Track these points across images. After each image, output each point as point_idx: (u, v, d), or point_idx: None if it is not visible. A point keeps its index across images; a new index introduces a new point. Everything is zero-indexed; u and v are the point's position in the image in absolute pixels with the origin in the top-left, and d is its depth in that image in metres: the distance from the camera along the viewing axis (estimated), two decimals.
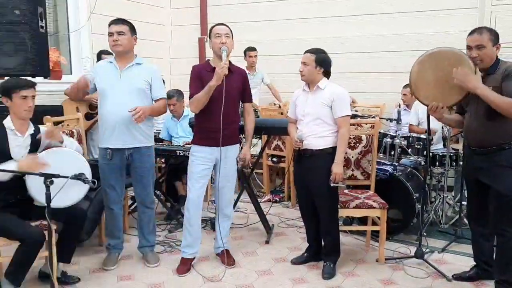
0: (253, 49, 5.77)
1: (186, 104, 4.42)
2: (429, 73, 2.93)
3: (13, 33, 3.75)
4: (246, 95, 3.37)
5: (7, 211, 2.76)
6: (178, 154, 3.99)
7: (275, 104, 5.83)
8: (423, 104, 3.03)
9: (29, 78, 3.06)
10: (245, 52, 5.78)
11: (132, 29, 3.25)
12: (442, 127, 4.06)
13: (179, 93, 4.64)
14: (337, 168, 3.09)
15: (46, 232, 2.70)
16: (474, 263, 3.19)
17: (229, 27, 3.21)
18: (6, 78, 4.11)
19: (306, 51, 3.23)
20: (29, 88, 2.82)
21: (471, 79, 2.72)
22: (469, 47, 2.83)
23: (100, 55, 4.93)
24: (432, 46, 5.10)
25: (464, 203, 3.82)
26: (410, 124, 4.65)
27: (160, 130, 4.84)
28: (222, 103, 3.08)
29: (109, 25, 3.22)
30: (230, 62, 3.25)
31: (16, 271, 2.74)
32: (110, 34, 3.19)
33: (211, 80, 3.03)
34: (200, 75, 3.18)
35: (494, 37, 2.79)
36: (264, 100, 6.05)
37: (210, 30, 3.24)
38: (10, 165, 2.67)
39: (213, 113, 3.13)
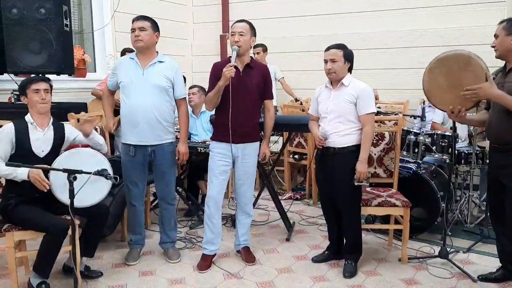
0: (257, 46, 5.69)
1: None
2: (441, 79, 2.89)
3: (38, 32, 3.84)
4: (266, 92, 3.34)
5: (31, 204, 2.82)
6: (199, 150, 4.00)
7: (297, 101, 5.79)
8: (442, 110, 2.99)
9: (53, 75, 3.12)
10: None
11: (155, 26, 3.24)
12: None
13: (202, 89, 4.66)
14: (361, 166, 3.05)
15: (69, 227, 2.75)
16: (500, 264, 3.11)
17: (249, 24, 3.19)
18: (32, 76, 4.23)
19: (331, 47, 3.13)
20: (40, 82, 2.90)
21: (481, 91, 2.71)
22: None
23: (124, 53, 4.99)
24: (458, 42, 5.07)
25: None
26: (433, 122, 4.56)
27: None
28: (238, 100, 3.08)
29: (132, 21, 3.24)
30: (251, 58, 3.24)
31: (43, 263, 2.80)
32: (132, 30, 3.20)
33: (220, 80, 3.05)
34: (218, 72, 3.17)
35: (510, 26, 2.78)
36: (284, 97, 6.02)
37: (231, 27, 3.24)
38: (21, 170, 2.73)
39: (229, 110, 3.11)
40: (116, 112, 4.84)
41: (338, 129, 3.12)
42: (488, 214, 3.71)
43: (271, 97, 3.42)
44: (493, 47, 2.88)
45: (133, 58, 3.26)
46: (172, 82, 3.26)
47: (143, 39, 3.17)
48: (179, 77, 3.34)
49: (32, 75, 3.18)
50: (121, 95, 3.29)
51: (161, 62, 3.25)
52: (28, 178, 2.73)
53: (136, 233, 3.47)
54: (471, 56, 2.81)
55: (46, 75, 3.24)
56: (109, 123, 3.42)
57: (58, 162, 2.76)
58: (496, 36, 2.85)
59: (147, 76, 3.19)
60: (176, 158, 3.39)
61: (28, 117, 2.90)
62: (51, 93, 2.98)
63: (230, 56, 3.25)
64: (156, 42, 3.30)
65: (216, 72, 3.20)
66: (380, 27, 5.62)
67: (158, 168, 3.35)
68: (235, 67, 3.05)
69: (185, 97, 3.41)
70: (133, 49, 4.96)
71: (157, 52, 3.31)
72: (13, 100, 4.03)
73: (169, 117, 3.28)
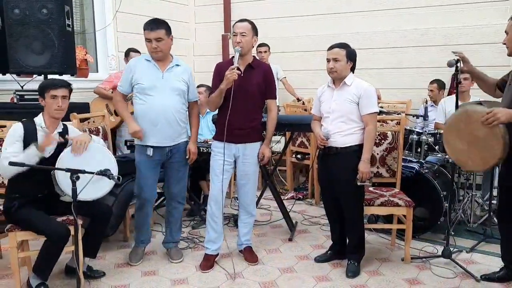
0: (263, 45, 5.71)
1: None
2: (460, 145, 2.86)
3: (40, 32, 3.84)
4: (268, 91, 3.32)
5: (34, 206, 2.82)
6: (201, 150, 4.00)
7: (299, 100, 5.79)
8: (485, 169, 2.97)
9: (55, 76, 3.12)
10: (255, 48, 5.74)
11: (168, 30, 3.19)
12: None
13: (209, 88, 4.65)
14: (364, 166, 3.04)
15: (72, 227, 2.75)
16: (503, 264, 3.10)
17: (251, 23, 3.17)
18: (34, 76, 4.24)
19: (334, 46, 3.12)
20: (59, 88, 2.86)
21: (498, 115, 2.63)
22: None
23: (128, 53, 4.99)
24: (460, 41, 5.06)
25: (494, 201, 3.72)
26: (436, 122, 4.55)
27: None
28: (240, 100, 3.07)
29: (144, 29, 3.15)
30: (254, 57, 3.24)
31: (43, 265, 2.80)
32: (148, 40, 3.13)
33: (222, 82, 3.04)
34: (221, 72, 3.17)
35: None
36: (286, 97, 6.01)
37: (233, 27, 3.23)
38: (31, 148, 2.73)
39: (231, 110, 3.11)
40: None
41: (340, 128, 3.11)
42: (495, 213, 3.70)
43: (274, 97, 3.37)
44: (504, 44, 2.85)
45: (149, 60, 3.22)
46: (188, 85, 3.30)
47: (162, 49, 3.15)
48: (193, 80, 3.40)
49: (57, 78, 3.14)
50: (137, 96, 3.24)
51: (178, 65, 3.26)
52: (40, 150, 2.74)
53: (142, 232, 3.46)
54: (466, 109, 2.84)
55: (49, 76, 3.23)
56: (136, 127, 3.20)
57: (64, 158, 2.78)
58: (506, 32, 2.82)
59: (167, 79, 3.20)
60: (187, 157, 3.37)
61: (38, 119, 2.89)
62: (69, 96, 2.96)
63: (233, 56, 3.25)
64: (172, 44, 3.28)
65: (219, 73, 3.19)
66: (382, 26, 5.61)
67: (172, 167, 3.35)
68: (238, 68, 3.04)
69: (197, 100, 3.46)
70: (137, 49, 5.00)
71: (171, 55, 3.30)
72: (15, 100, 4.03)
73: (185, 118, 3.34)
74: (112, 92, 4.81)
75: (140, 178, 3.32)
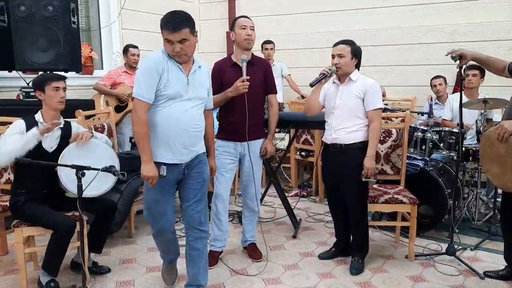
0: (269, 42, 5.72)
1: None
2: (495, 169, 2.86)
3: (46, 29, 3.85)
4: (270, 87, 3.33)
5: (40, 202, 2.84)
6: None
7: (303, 98, 5.78)
8: None
9: (61, 73, 3.14)
10: (262, 45, 5.74)
11: (193, 27, 2.52)
12: (476, 121, 3.95)
13: None
14: (369, 162, 3.04)
15: (77, 223, 2.78)
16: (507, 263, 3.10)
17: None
18: (40, 73, 4.26)
19: (339, 43, 3.13)
20: (60, 80, 2.93)
21: (505, 126, 2.68)
22: None
23: (127, 49, 5.01)
24: (466, 38, 5.04)
25: (499, 199, 3.70)
26: (443, 119, 4.53)
27: None
28: (244, 99, 3.06)
29: (163, 28, 2.48)
30: (252, 54, 3.23)
31: (51, 261, 2.83)
32: (169, 41, 2.45)
33: (229, 90, 3.04)
34: (220, 71, 3.17)
35: None
36: (291, 94, 6.00)
37: (234, 23, 3.21)
38: (33, 130, 2.78)
39: (235, 109, 3.12)
40: (119, 108, 4.89)
41: (345, 125, 3.11)
42: (498, 215, 3.69)
43: (275, 92, 3.39)
44: None
45: (170, 59, 2.51)
46: (208, 90, 2.71)
47: (187, 52, 2.48)
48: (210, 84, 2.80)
49: (49, 72, 3.18)
50: (155, 104, 2.50)
51: (200, 67, 2.60)
52: (40, 132, 2.78)
53: (170, 252, 2.94)
54: (486, 134, 2.90)
55: (55, 72, 3.24)
56: (151, 170, 2.50)
57: (66, 154, 2.80)
58: None
59: (192, 85, 2.54)
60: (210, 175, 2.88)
61: (38, 116, 2.92)
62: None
63: (231, 54, 3.24)
64: (196, 42, 2.61)
65: (217, 72, 3.18)
66: (388, 23, 5.58)
67: (188, 186, 2.68)
68: (247, 79, 3.04)
69: (213, 108, 2.91)
70: (135, 45, 5.00)
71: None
72: (21, 98, 4.06)
73: (203, 127, 2.70)
74: (110, 88, 4.83)
75: (150, 203, 2.66)
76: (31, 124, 2.84)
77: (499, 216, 3.71)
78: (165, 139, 2.52)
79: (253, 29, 3.15)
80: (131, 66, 4.99)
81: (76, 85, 4.83)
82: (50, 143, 2.90)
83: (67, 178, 2.77)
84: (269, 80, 3.31)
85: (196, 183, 2.67)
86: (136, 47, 5.01)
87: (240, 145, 3.20)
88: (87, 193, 2.63)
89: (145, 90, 2.43)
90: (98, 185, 2.80)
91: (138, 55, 5.00)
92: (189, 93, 2.53)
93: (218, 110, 3.41)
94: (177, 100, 2.50)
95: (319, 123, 3.43)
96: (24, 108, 3.69)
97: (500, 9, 4.95)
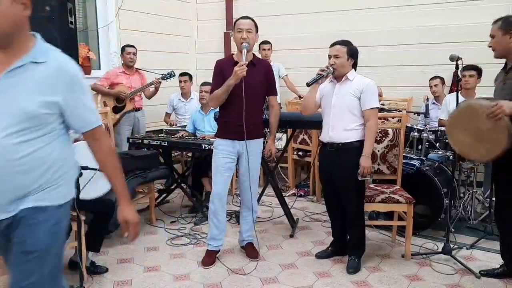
0: (266, 42, 5.73)
1: None
2: (465, 139, 2.88)
3: (43, 29, 3.83)
4: (270, 88, 3.36)
5: None
6: (203, 147, 4.02)
7: (300, 98, 5.80)
8: (489, 159, 2.95)
9: None
10: (259, 45, 5.76)
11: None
12: None
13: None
14: (365, 161, 3.05)
15: (74, 223, 2.78)
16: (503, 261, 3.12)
17: (253, 21, 3.19)
18: None
19: (335, 43, 3.15)
20: None
21: (504, 107, 2.66)
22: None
23: (123, 48, 5.02)
24: (462, 39, 5.05)
25: (494, 198, 3.73)
26: (440, 119, 4.55)
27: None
28: (242, 97, 3.07)
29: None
30: (253, 54, 3.25)
31: None
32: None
33: (230, 78, 3.05)
34: (223, 70, 3.18)
35: (506, 25, 2.77)
36: (288, 94, 6.02)
37: (234, 24, 3.24)
38: None
39: (234, 107, 3.14)
40: (117, 109, 4.89)
41: (342, 124, 3.13)
42: (493, 212, 3.72)
43: (275, 94, 3.42)
44: (490, 47, 2.87)
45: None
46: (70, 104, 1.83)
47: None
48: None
49: None
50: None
51: (40, 63, 1.68)
52: None
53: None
54: (470, 104, 2.88)
55: None
56: None
57: None
58: (492, 36, 2.84)
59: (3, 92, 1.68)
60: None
61: None
62: None
63: (233, 54, 3.26)
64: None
65: (220, 70, 3.21)
66: (384, 24, 5.60)
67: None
68: (246, 64, 3.05)
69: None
70: (132, 45, 5.00)
71: None
72: None
73: None
74: (108, 88, 4.83)
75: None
76: None
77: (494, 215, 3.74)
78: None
79: (250, 31, 3.14)
80: (128, 66, 5.00)
81: None
82: None
83: None
84: (270, 81, 3.33)
85: (19, 255, 1.65)
86: (133, 46, 5.02)
87: (238, 143, 3.22)
88: (85, 196, 2.64)
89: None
90: (96, 187, 2.80)
91: (135, 53, 5.01)
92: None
93: (217, 110, 3.43)
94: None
95: (316, 123, 3.45)
96: None
97: (495, 10, 4.95)
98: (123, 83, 4.92)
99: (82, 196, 2.58)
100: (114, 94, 4.84)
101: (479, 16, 5.05)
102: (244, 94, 3.07)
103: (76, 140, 2.99)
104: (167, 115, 5.64)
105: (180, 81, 5.44)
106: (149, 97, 5.18)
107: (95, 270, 3.17)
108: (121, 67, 5.06)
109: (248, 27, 3.14)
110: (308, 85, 3.16)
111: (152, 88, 5.07)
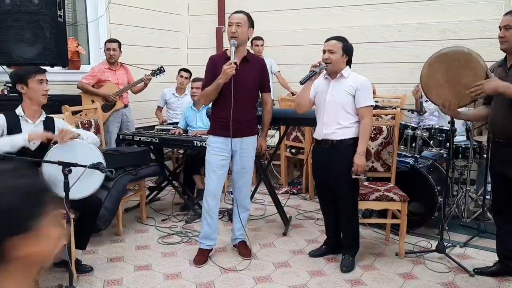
0: (258, 38, 5.66)
1: None
2: (439, 75, 2.89)
3: (32, 22, 3.76)
4: (264, 85, 3.31)
5: None
6: (195, 144, 3.97)
7: (293, 95, 5.76)
8: (435, 104, 3.01)
9: (47, 67, 3.09)
10: (251, 41, 5.70)
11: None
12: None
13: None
14: (359, 159, 3.02)
15: (64, 221, 2.71)
16: (498, 259, 3.10)
17: (247, 15, 3.13)
18: (31, 66, 4.17)
19: (331, 39, 3.11)
20: (42, 73, 2.90)
21: (487, 85, 2.68)
22: (499, 28, 2.79)
23: (105, 44, 4.91)
24: (455, 36, 5.04)
25: (488, 197, 3.72)
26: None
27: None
28: (235, 94, 3.03)
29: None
30: (248, 50, 3.20)
31: None
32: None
33: (219, 77, 2.99)
34: (215, 66, 3.13)
35: None
36: (280, 90, 5.97)
37: (228, 18, 3.18)
38: (19, 137, 2.72)
39: (226, 104, 3.08)
40: (106, 107, 4.80)
41: (336, 121, 3.09)
42: (488, 208, 3.71)
43: (269, 90, 3.39)
44: (502, 37, 2.74)
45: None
46: None
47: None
48: None
49: (31, 66, 3.12)
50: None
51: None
52: (28, 140, 2.72)
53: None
54: (471, 54, 2.80)
55: (40, 67, 3.17)
56: None
57: (51, 154, 2.72)
58: (507, 27, 2.70)
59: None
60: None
61: (18, 110, 2.86)
62: None
63: (227, 49, 3.21)
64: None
65: (212, 66, 3.15)
66: (378, 20, 5.57)
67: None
68: (235, 63, 3.00)
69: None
70: (115, 39, 4.87)
71: None
72: (6, 92, 3.96)
73: None
74: (95, 86, 4.72)
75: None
76: (11, 118, 2.78)
77: (488, 213, 3.74)
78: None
79: (240, 25, 3.07)
80: (110, 62, 4.86)
81: (62, 80, 4.73)
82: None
83: (50, 179, 2.70)
84: (263, 78, 3.29)
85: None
86: (115, 41, 4.88)
87: (232, 141, 3.16)
88: (75, 196, 2.58)
89: None
90: (85, 186, 2.74)
91: (115, 49, 4.79)
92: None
93: (209, 106, 3.37)
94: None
95: (310, 120, 3.41)
96: (8, 104, 3.61)
97: (489, 7, 4.96)
98: (110, 80, 4.78)
99: (72, 195, 2.52)
100: (103, 96, 4.71)
101: (474, 14, 5.05)
102: (234, 91, 3.02)
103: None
104: (159, 108, 5.55)
105: (181, 76, 5.35)
106: (136, 93, 5.09)
107: (80, 269, 3.08)
108: (106, 62, 4.91)
109: (238, 21, 3.07)
110: (301, 83, 3.11)
111: (141, 84, 4.97)
